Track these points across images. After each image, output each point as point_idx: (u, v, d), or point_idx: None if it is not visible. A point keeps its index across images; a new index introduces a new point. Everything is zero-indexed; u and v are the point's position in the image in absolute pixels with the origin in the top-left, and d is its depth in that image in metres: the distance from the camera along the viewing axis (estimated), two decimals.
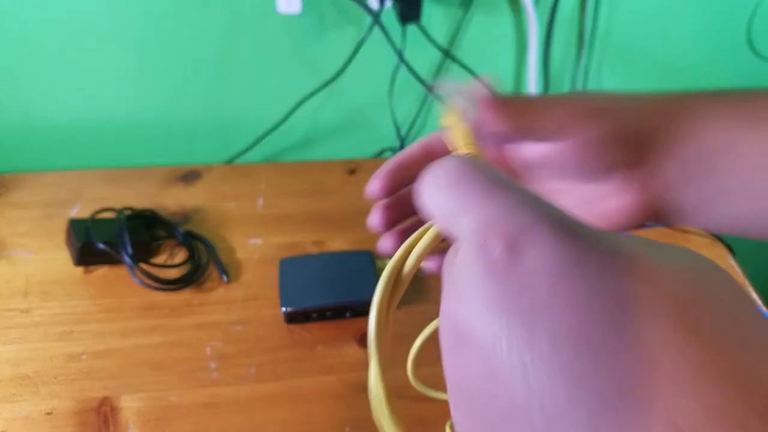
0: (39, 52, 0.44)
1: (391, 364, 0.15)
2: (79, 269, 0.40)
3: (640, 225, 0.17)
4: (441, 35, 0.47)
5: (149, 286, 0.38)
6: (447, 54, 0.47)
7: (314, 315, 0.37)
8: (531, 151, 0.17)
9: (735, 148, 0.15)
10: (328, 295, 0.36)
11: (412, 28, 0.45)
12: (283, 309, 0.36)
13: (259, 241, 0.44)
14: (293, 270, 0.38)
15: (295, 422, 0.33)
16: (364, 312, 0.38)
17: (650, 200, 0.17)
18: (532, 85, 0.51)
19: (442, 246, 0.13)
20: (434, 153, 0.18)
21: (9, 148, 0.50)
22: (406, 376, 0.35)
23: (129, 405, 0.33)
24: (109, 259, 0.39)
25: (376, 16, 0.41)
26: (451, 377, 0.11)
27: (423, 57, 0.48)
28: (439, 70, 0.50)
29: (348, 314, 0.38)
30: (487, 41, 0.48)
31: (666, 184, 0.16)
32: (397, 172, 0.18)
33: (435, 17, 0.46)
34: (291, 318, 0.37)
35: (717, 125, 0.16)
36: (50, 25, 0.42)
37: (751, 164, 0.15)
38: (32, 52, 0.44)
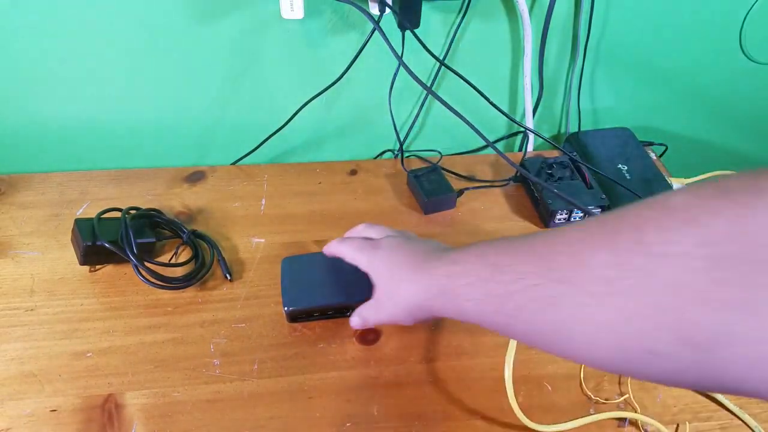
0: (47, 54, 0.45)
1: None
2: (85, 268, 0.41)
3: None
4: (439, 41, 0.48)
5: (154, 285, 0.38)
6: (442, 62, 0.48)
7: (316, 314, 0.37)
8: None
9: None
10: (330, 295, 0.37)
11: (411, 34, 0.46)
12: (286, 308, 0.36)
13: (262, 241, 0.44)
14: (295, 269, 0.38)
15: (297, 418, 0.33)
16: None
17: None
18: (528, 90, 0.52)
19: None
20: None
21: (16, 149, 0.50)
22: (411, 369, 0.35)
23: (133, 402, 0.33)
24: (115, 258, 0.39)
25: (376, 22, 0.42)
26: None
27: (422, 61, 0.49)
28: (436, 75, 0.51)
29: (349, 313, 0.38)
30: (484, 47, 0.50)
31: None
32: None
33: (433, 23, 0.47)
34: (293, 317, 0.37)
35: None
36: (58, 26, 0.43)
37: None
38: (40, 54, 0.45)
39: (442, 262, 0.26)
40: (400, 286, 0.29)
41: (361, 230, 0.37)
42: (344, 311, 0.38)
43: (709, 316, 0.14)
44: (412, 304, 0.28)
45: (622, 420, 0.34)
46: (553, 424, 0.33)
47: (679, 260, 0.14)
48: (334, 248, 0.35)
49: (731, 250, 0.14)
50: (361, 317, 0.33)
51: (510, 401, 0.32)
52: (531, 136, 0.55)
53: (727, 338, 0.14)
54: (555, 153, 0.54)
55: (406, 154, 0.54)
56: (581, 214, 0.46)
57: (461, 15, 0.47)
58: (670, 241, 0.15)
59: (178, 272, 0.40)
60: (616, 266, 0.16)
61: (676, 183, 0.50)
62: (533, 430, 0.33)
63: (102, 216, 0.39)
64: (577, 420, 0.34)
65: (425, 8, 0.45)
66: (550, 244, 0.19)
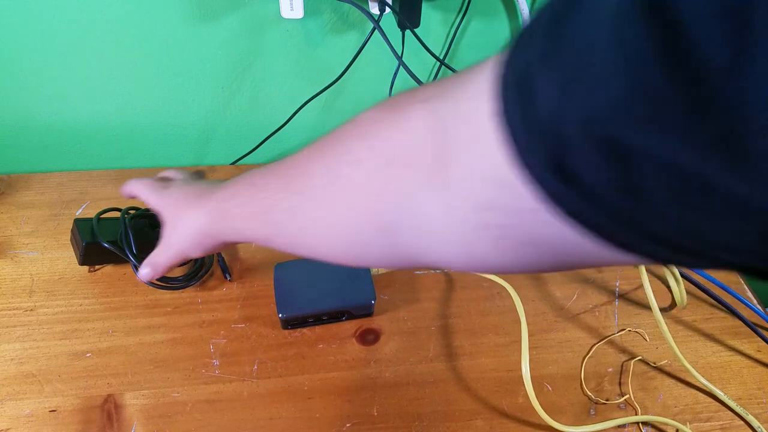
0: (47, 53, 0.45)
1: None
2: (84, 268, 0.41)
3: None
4: (439, 40, 0.48)
5: (153, 285, 0.38)
6: (443, 62, 0.48)
7: (310, 320, 0.37)
8: None
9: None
10: (324, 301, 0.36)
11: (411, 33, 0.46)
12: (280, 315, 0.36)
13: None
14: (288, 274, 0.38)
15: (297, 419, 0.33)
16: (360, 315, 0.38)
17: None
18: None
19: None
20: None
21: (16, 149, 0.50)
22: (411, 370, 0.35)
23: (133, 402, 0.33)
24: (114, 258, 0.39)
25: (376, 22, 0.42)
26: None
27: (422, 61, 0.49)
28: (437, 75, 0.51)
29: (344, 318, 0.38)
30: (484, 46, 0.49)
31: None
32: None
33: (433, 23, 0.47)
34: (287, 324, 0.37)
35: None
36: (59, 25, 0.43)
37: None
38: (40, 53, 0.44)
39: (219, 189, 0.28)
40: (184, 217, 0.29)
41: (164, 173, 0.38)
42: (339, 316, 0.38)
43: (384, 206, 0.17)
44: (196, 233, 0.29)
45: (634, 423, 0.34)
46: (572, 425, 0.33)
47: (358, 165, 0.18)
48: (129, 185, 0.36)
49: (389, 152, 0.17)
50: (150, 265, 0.32)
51: (531, 399, 0.32)
52: None
53: (399, 223, 0.17)
54: None
55: None
56: None
57: (462, 14, 0.47)
58: (355, 149, 0.18)
59: (178, 272, 0.40)
60: (327, 175, 0.19)
61: None
62: (547, 429, 0.33)
63: (101, 216, 0.39)
64: (591, 425, 0.33)
65: (425, 7, 0.45)
66: (295, 161, 0.22)
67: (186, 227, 0.29)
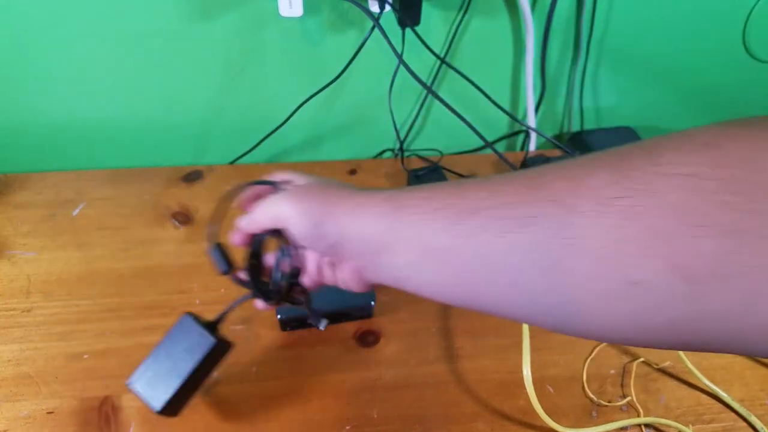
0: (44, 52, 0.44)
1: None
2: (81, 267, 0.40)
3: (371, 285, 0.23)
4: (439, 38, 0.48)
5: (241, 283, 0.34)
6: (443, 60, 0.47)
7: (309, 321, 0.36)
8: None
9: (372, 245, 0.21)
10: (324, 301, 0.35)
11: (411, 31, 0.45)
12: (279, 316, 0.35)
13: None
14: None
15: (296, 421, 0.33)
16: (359, 316, 0.38)
17: (358, 275, 0.23)
18: (530, 88, 0.52)
19: None
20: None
21: (13, 148, 0.50)
22: (411, 372, 0.35)
23: (130, 404, 0.33)
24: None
25: (376, 19, 0.41)
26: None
27: (423, 59, 0.49)
28: (437, 73, 0.50)
29: (344, 319, 0.37)
30: (485, 44, 0.49)
31: (356, 270, 0.23)
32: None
33: (433, 21, 0.46)
34: (286, 325, 0.36)
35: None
36: (56, 25, 0.43)
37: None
38: (37, 52, 0.44)
39: (409, 190, 0.21)
40: (337, 209, 0.22)
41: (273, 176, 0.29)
42: (338, 318, 0.37)
43: (710, 241, 0.13)
44: (372, 236, 0.21)
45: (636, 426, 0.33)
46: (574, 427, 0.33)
47: (688, 180, 0.13)
48: (245, 226, 0.26)
49: (743, 174, 0.13)
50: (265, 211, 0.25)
51: (532, 401, 0.32)
52: (533, 136, 0.55)
53: (725, 267, 0.13)
54: (557, 152, 0.54)
55: (407, 154, 0.53)
56: None
57: (462, 12, 0.46)
58: (685, 161, 0.13)
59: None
60: (616, 184, 0.14)
61: None
62: (549, 431, 0.33)
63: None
64: (593, 427, 0.33)
65: (426, 5, 0.45)
66: (542, 173, 0.16)
67: (357, 226, 0.20)
